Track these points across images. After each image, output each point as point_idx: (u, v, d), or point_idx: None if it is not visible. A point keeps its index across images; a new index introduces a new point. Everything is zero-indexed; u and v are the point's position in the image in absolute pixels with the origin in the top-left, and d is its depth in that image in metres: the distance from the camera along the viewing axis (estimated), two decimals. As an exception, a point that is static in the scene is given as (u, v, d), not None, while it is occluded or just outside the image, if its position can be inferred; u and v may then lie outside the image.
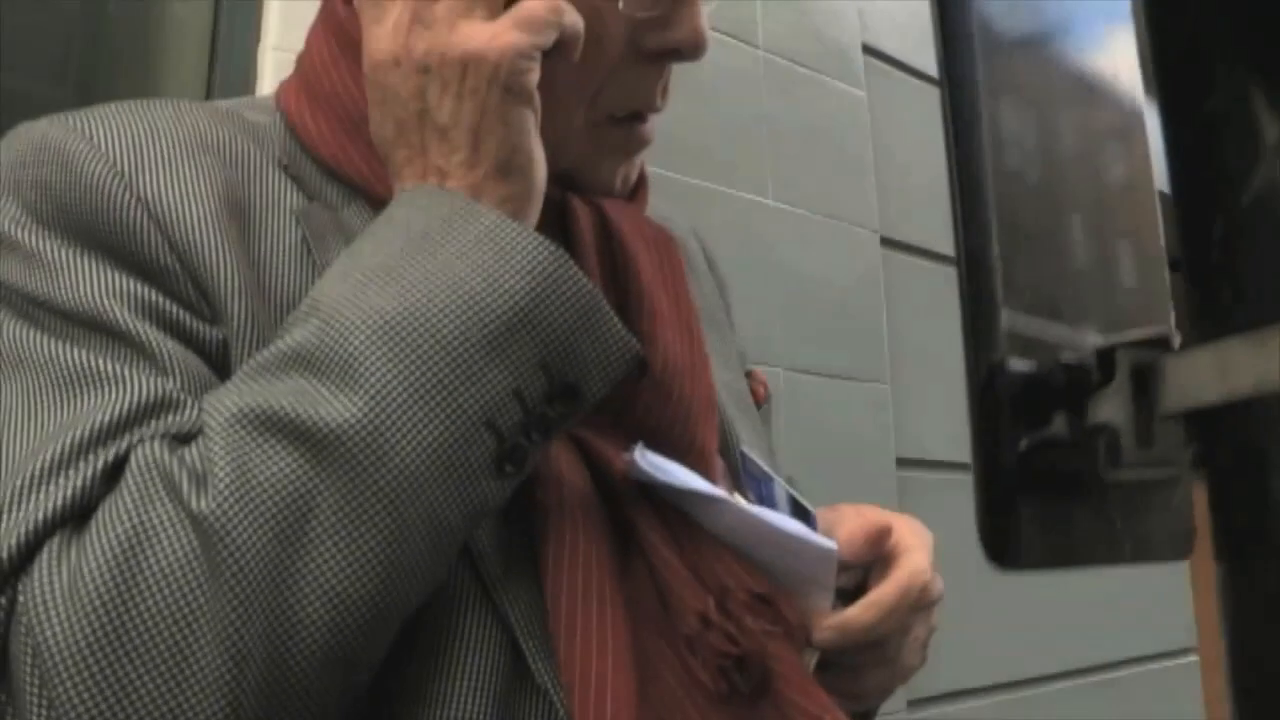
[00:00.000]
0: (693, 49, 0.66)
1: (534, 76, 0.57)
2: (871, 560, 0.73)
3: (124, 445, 0.51)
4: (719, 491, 0.61)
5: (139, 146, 0.59)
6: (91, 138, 0.59)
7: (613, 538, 0.60)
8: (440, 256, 0.53)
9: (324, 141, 0.65)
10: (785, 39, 2.30)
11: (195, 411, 0.54)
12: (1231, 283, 0.35)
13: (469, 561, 0.56)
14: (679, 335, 0.67)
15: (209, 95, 1.64)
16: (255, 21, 1.68)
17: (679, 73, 0.71)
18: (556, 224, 0.64)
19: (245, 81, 1.63)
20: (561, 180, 0.64)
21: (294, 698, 0.48)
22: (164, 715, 0.46)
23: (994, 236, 0.49)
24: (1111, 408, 0.32)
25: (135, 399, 0.53)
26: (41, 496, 0.49)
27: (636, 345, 0.57)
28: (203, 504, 0.48)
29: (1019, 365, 0.35)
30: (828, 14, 2.44)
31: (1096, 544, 0.39)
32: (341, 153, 0.65)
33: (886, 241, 2.41)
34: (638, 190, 0.74)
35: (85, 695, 0.45)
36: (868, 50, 2.49)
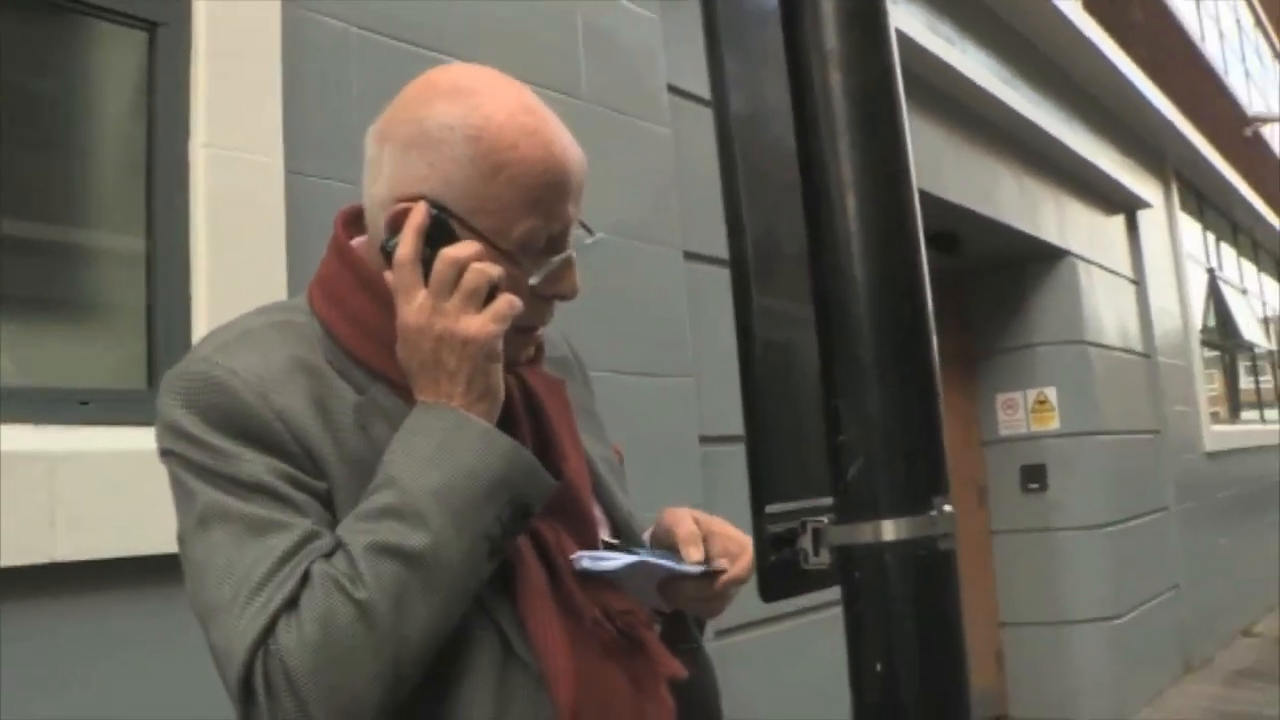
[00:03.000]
0: (570, 294, 1.06)
1: (501, 344, 0.98)
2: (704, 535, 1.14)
3: (301, 562, 0.90)
4: (630, 558, 1.04)
5: (264, 373, 0.97)
6: (237, 373, 0.96)
7: (548, 576, 1.01)
8: (456, 453, 0.95)
9: (354, 344, 1.03)
10: (603, 88, 2.69)
11: (329, 538, 0.93)
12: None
13: (475, 596, 0.98)
14: (574, 454, 1.11)
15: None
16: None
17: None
18: None
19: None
20: None
21: (403, 683, 0.91)
22: (352, 700, 0.88)
23: (748, 239, 0.83)
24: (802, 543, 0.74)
25: (297, 534, 0.92)
26: (270, 593, 0.89)
27: (554, 483, 1.00)
28: (360, 593, 0.89)
29: (776, 518, 0.77)
30: (638, 60, 2.83)
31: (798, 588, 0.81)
32: (366, 353, 1.02)
33: (689, 255, 2.85)
34: (538, 355, 1.15)
35: (317, 687, 0.87)
36: (673, 89, 2.90)
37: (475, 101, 1.01)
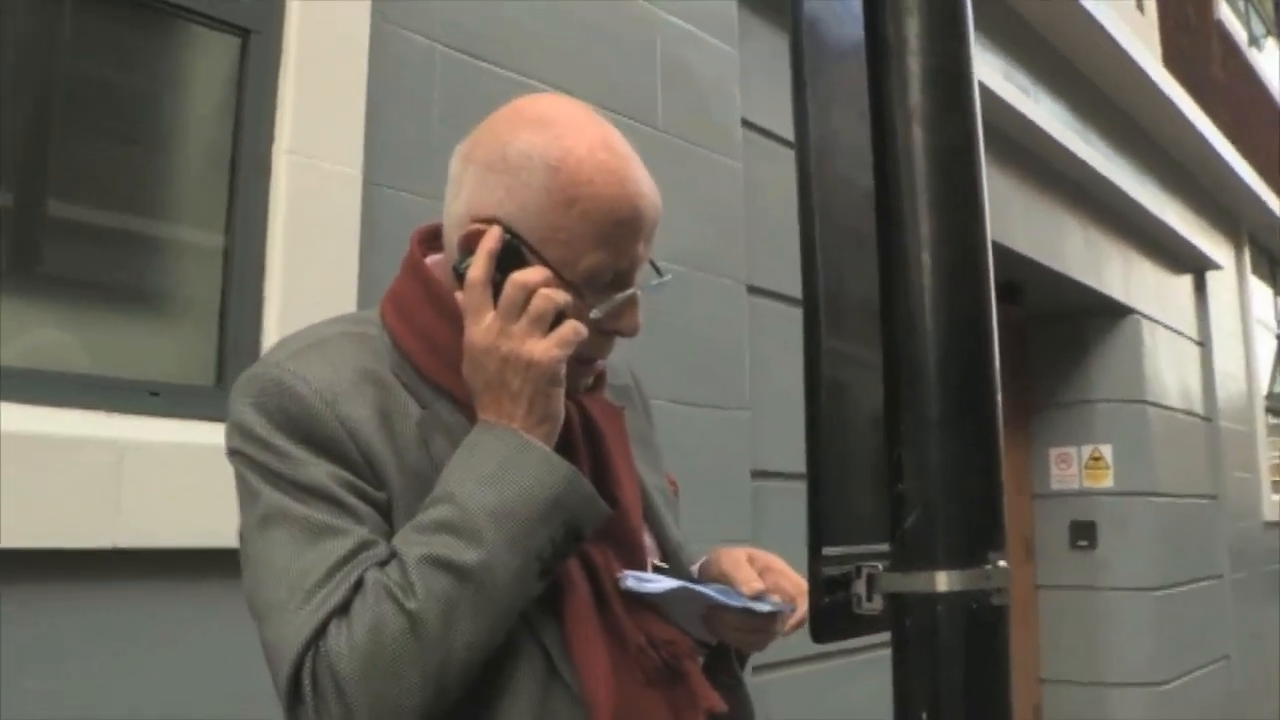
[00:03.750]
0: (631, 332, 1.08)
1: (564, 369, 0.99)
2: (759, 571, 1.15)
3: (355, 569, 0.93)
4: (674, 583, 1.06)
5: (333, 382, 1.00)
6: (307, 381, 0.98)
7: (595, 599, 1.03)
8: (514, 474, 0.95)
9: (421, 359, 1.05)
10: (679, 119, 2.72)
11: (384, 547, 0.95)
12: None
13: (522, 614, 0.99)
14: (628, 482, 1.11)
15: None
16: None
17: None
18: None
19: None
20: None
21: (447, 695, 0.92)
22: (395, 707, 0.89)
23: (820, 278, 0.83)
24: (856, 587, 0.76)
25: (354, 541, 0.94)
26: (324, 597, 0.91)
27: (608, 510, 1.02)
28: (411, 604, 0.91)
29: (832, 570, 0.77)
30: (714, 94, 2.86)
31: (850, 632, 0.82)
32: (432, 369, 1.05)
33: (753, 289, 2.86)
34: (599, 383, 1.15)
35: (362, 693, 0.89)
36: (746, 124, 2.93)
37: (558, 133, 1.03)
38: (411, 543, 0.95)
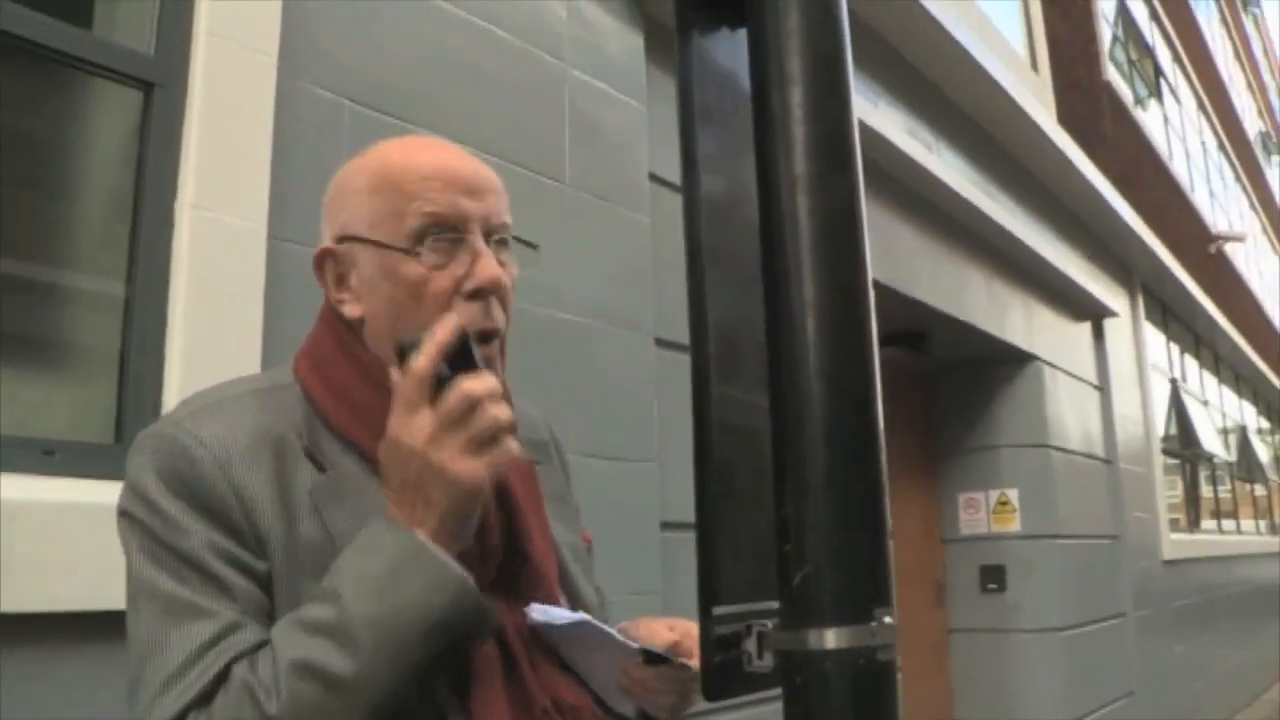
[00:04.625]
0: (487, 282, 1.03)
1: (488, 489, 0.96)
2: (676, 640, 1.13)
3: (220, 656, 0.90)
4: (578, 616, 1.05)
5: (228, 444, 0.98)
6: (203, 442, 0.97)
7: (502, 660, 1.01)
8: (404, 584, 0.91)
9: (332, 413, 1.04)
10: (586, 174, 2.75)
11: (253, 630, 0.92)
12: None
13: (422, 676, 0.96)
14: (539, 539, 1.11)
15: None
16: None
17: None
18: None
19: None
20: None
21: None
22: None
23: (709, 327, 0.84)
24: (747, 645, 0.77)
25: (219, 626, 0.91)
26: (183, 689, 0.89)
27: (497, 623, 0.99)
28: (272, 709, 0.88)
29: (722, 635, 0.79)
30: (621, 150, 2.90)
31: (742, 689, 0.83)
32: (344, 424, 1.03)
33: (660, 341, 2.89)
34: (516, 426, 1.15)
35: None
36: (653, 178, 2.97)
37: (380, 149, 1.10)
38: (289, 641, 0.92)
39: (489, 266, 1.04)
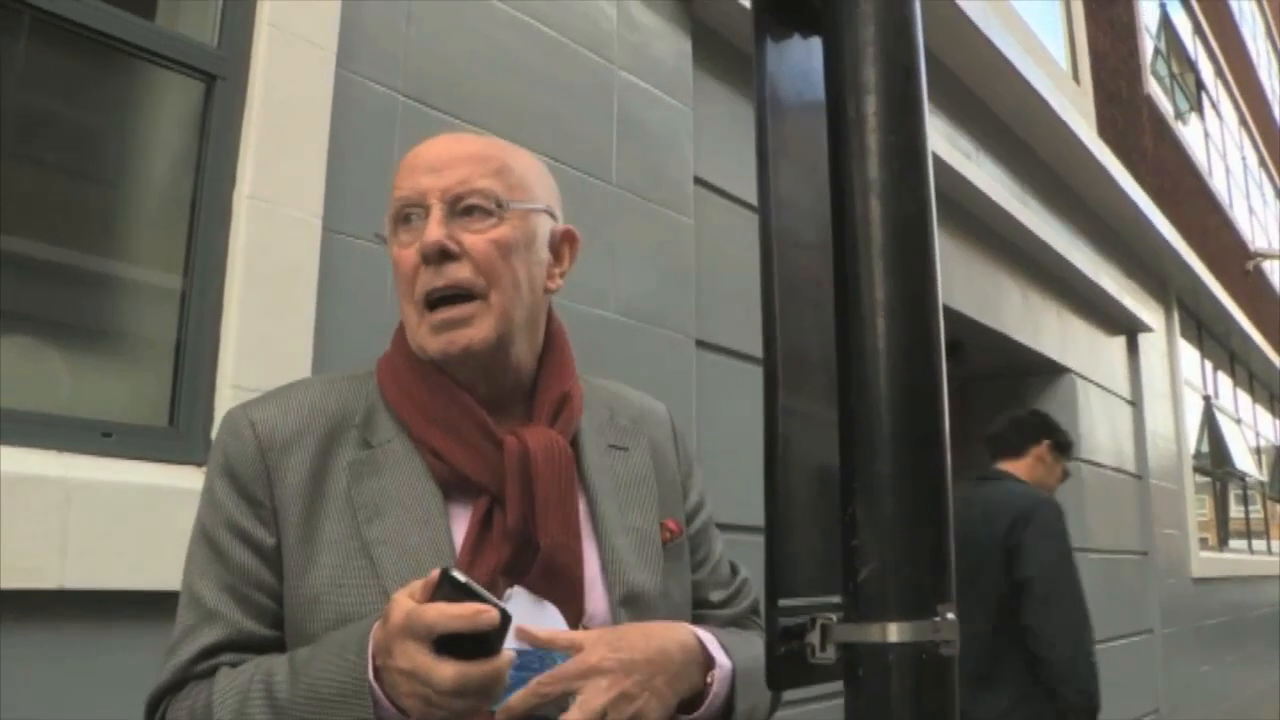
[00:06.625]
0: (424, 248, 1.07)
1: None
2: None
3: (209, 662, 1.04)
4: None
5: (275, 427, 1.08)
6: (253, 423, 1.08)
7: None
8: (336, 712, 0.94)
9: (398, 405, 1.12)
10: (632, 175, 2.78)
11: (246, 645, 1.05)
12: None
13: None
14: (560, 528, 1.07)
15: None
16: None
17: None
18: (497, 448, 1.08)
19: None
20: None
21: None
22: None
23: (779, 340, 0.84)
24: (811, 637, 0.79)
25: (218, 637, 1.04)
26: (168, 677, 1.05)
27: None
28: None
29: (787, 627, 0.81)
30: (667, 151, 2.93)
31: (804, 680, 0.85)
32: (406, 413, 1.11)
33: (701, 343, 2.91)
34: (562, 410, 1.16)
35: None
36: (698, 181, 2.99)
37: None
38: (245, 696, 1.00)
39: (430, 231, 1.09)
